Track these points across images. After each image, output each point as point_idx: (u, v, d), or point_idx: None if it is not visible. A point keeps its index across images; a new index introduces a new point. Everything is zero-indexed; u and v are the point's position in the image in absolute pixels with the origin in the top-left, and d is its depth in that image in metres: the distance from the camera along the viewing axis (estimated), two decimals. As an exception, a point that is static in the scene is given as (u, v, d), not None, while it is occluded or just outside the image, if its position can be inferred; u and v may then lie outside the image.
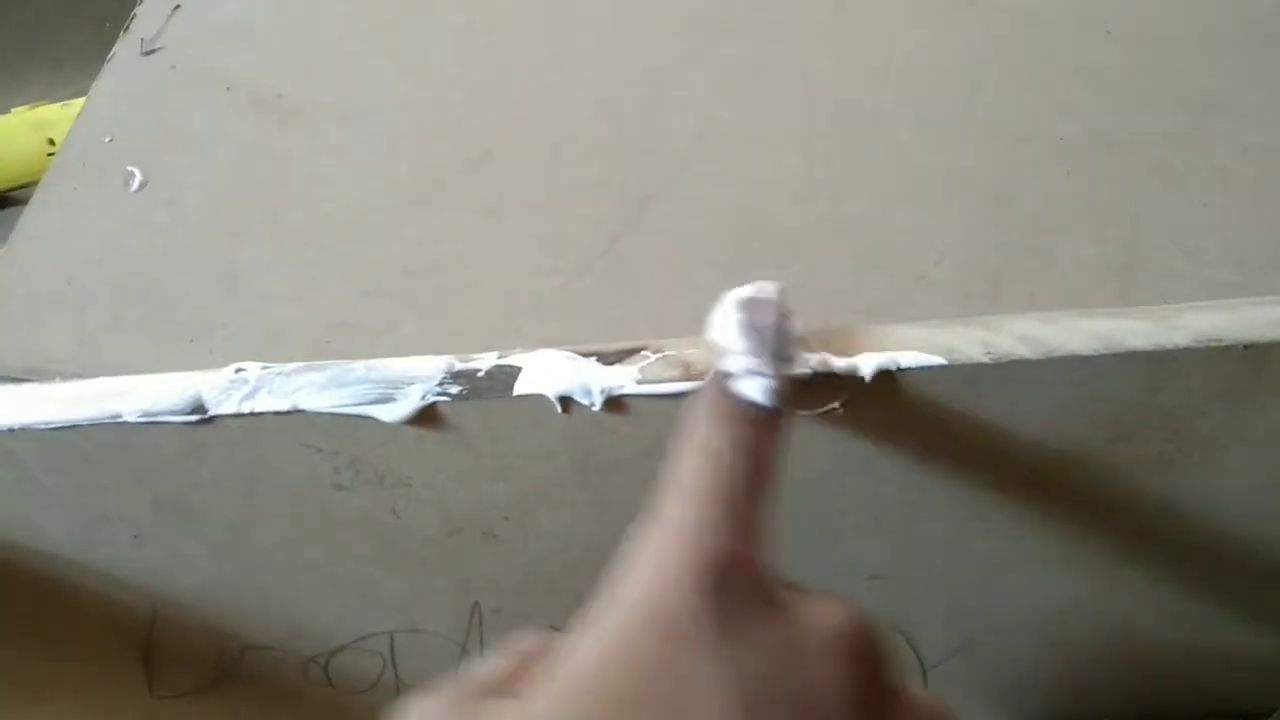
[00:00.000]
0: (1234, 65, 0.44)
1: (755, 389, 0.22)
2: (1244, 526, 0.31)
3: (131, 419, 0.28)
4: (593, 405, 0.27)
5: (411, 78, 0.42)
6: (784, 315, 0.24)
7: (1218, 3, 0.47)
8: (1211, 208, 0.40)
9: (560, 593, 0.32)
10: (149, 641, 0.36)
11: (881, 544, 0.32)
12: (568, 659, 0.19)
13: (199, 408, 0.28)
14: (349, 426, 0.28)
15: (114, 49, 0.43)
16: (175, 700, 0.37)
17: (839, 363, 0.26)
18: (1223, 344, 0.27)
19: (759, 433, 0.22)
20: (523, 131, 0.41)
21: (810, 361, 0.26)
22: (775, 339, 0.23)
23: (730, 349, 0.23)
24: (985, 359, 0.26)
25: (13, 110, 1.13)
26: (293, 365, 0.29)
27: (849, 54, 0.44)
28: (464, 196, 0.39)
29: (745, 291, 0.24)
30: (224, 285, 0.35)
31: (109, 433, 0.29)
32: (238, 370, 0.29)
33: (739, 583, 0.19)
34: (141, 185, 0.38)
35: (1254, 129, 0.42)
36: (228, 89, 0.42)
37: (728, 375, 0.22)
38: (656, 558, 0.19)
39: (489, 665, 0.21)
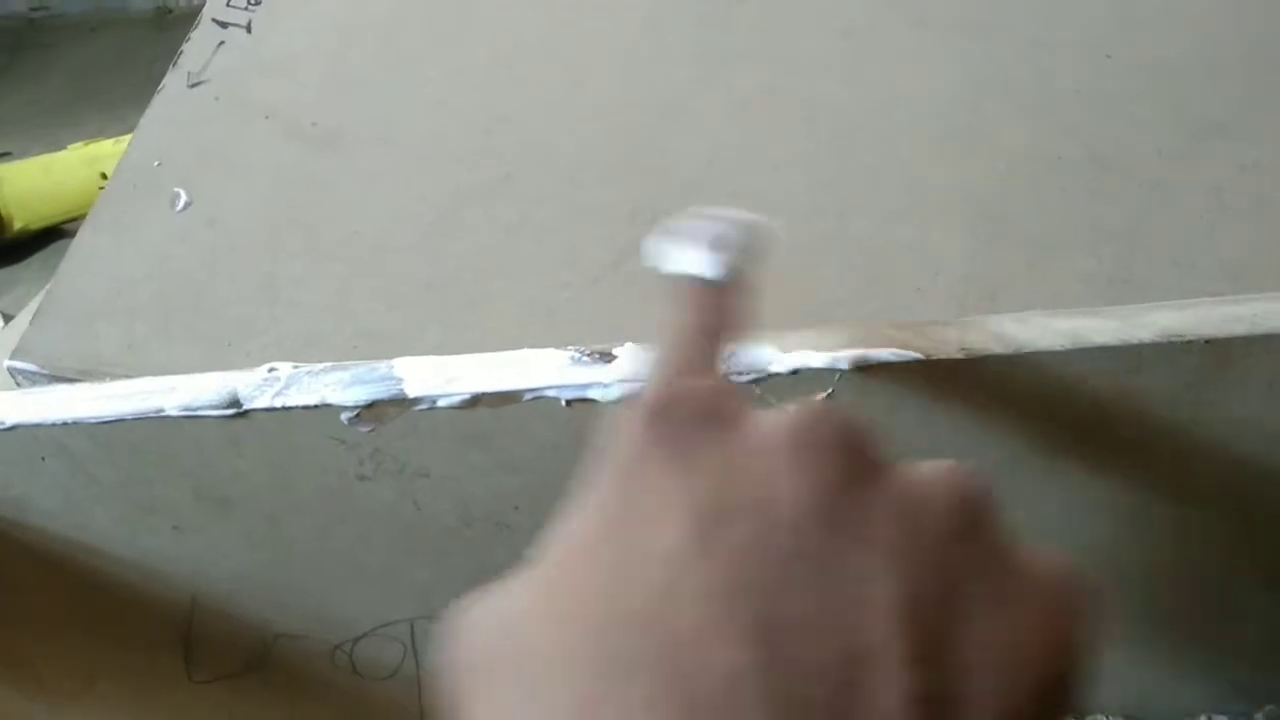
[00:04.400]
0: (1233, 88, 0.46)
1: (695, 266, 0.24)
2: (1207, 518, 0.33)
3: (173, 413, 0.31)
4: (595, 402, 0.29)
5: (437, 107, 0.45)
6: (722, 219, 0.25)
7: (1218, 28, 0.48)
8: (1207, 225, 0.42)
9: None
10: (189, 629, 0.38)
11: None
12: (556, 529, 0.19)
13: (234, 402, 0.31)
14: (371, 419, 0.30)
15: (163, 81, 0.47)
16: (212, 686, 0.39)
17: (817, 359, 0.28)
18: (1184, 339, 0.29)
19: (702, 294, 0.23)
20: (541, 156, 0.43)
21: (790, 360, 0.28)
22: (710, 230, 0.24)
23: (673, 252, 0.24)
24: (959, 355, 0.28)
25: (68, 147, 1.19)
26: (321, 365, 0.31)
27: (854, 81, 0.46)
28: (485, 216, 0.41)
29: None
30: (262, 297, 0.38)
31: (154, 427, 0.31)
32: (271, 370, 0.32)
33: (685, 409, 0.19)
34: (186, 205, 0.41)
35: (1251, 149, 0.43)
36: (267, 118, 0.45)
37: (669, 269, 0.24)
38: (619, 430, 0.20)
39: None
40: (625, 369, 0.30)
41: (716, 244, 0.24)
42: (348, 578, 0.35)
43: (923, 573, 0.17)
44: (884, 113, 0.45)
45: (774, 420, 0.19)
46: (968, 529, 0.18)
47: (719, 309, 0.23)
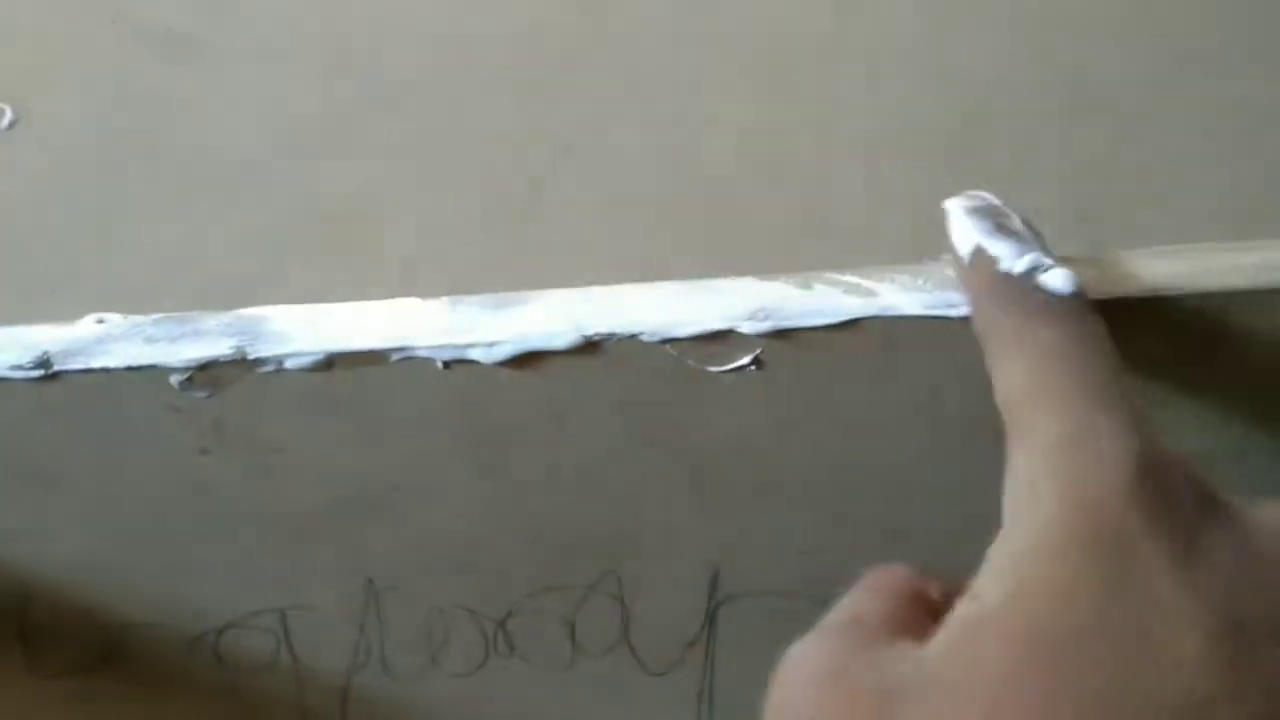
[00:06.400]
0: (1220, 14, 0.42)
1: (1057, 280, 0.20)
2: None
3: (-36, 376, 0.25)
4: (478, 363, 0.24)
5: (315, 13, 0.39)
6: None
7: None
8: (1188, 159, 0.38)
9: (463, 569, 0.30)
10: (23, 620, 0.33)
11: (813, 514, 0.29)
12: (970, 600, 0.16)
13: (44, 362, 0.25)
14: (207, 383, 0.25)
15: (-8, -25, 0.40)
16: (60, 680, 0.34)
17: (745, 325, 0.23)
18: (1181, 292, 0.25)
19: (1082, 320, 0.19)
20: (437, 71, 0.37)
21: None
22: (1029, 232, 0.22)
23: (996, 252, 0.21)
24: (912, 310, 0.24)
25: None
26: (152, 316, 0.26)
27: (801, -5, 0.41)
28: (368, 138, 0.36)
29: (968, 199, 0.24)
30: (97, 233, 0.32)
31: (-57, 391, 0.26)
32: (99, 321, 0.26)
33: (1177, 486, 0.16)
34: (12, 124, 0.35)
35: (1236, 79, 0.39)
36: (114, 21, 0.38)
37: (1014, 274, 0.20)
38: (1059, 479, 0.16)
39: (861, 603, 0.19)
40: (524, 323, 0.25)
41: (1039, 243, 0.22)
42: (199, 562, 0.30)
43: None
44: (831, 31, 0.40)
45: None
46: None
47: (1106, 342, 0.20)
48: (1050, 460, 0.17)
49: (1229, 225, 0.34)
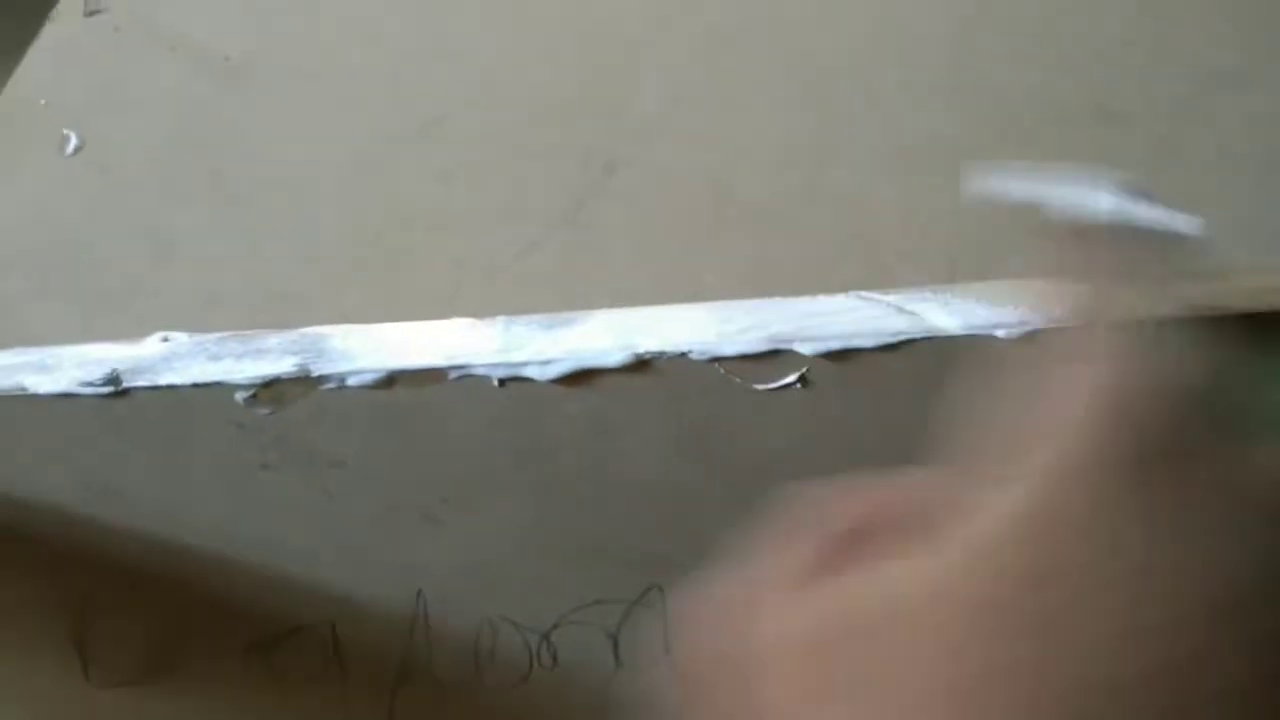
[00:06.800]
0: (1246, 35, 0.42)
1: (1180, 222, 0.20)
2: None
3: (40, 391, 0.26)
4: (532, 380, 0.25)
5: (366, 40, 0.40)
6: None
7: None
8: (1216, 180, 0.38)
9: (509, 580, 0.30)
10: (82, 629, 0.34)
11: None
12: (967, 518, 0.16)
13: (113, 380, 0.26)
14: (270, 400, 0.26)
15: (55, 7, 0.41)
16: (114, 690, 0.35)
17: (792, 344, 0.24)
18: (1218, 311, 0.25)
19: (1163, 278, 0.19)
20: (483, 95, 0.38)
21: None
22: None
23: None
24: (957, 330, 0.24)
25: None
26: (216, 335, 0.27)
27: (834, 18, 0.41)
28: (418, 162, 0.36)
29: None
30: (159, 252, 0.33)
31: (20, 406, 0.27)
32: (164, 339, 0.27)
33: (1177, 422, 0.16)
34: (77, 149, 0.36)
35: (1264, 100, 0.39)
36: (173, 50, 0.39)
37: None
38: (1078, 398, 0.16)
39: (842, 506, 0.19)
40: (577, 341, 0.25)
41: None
42: (257, 574, 0.31)
43: None
44: (867, 54, 0.40)
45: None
46: None
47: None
48: (1067, 377, 0.17)
49: (1255, 247, 0.35)
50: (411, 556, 0.29)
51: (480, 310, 0.34)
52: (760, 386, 0.25)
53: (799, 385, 0.25)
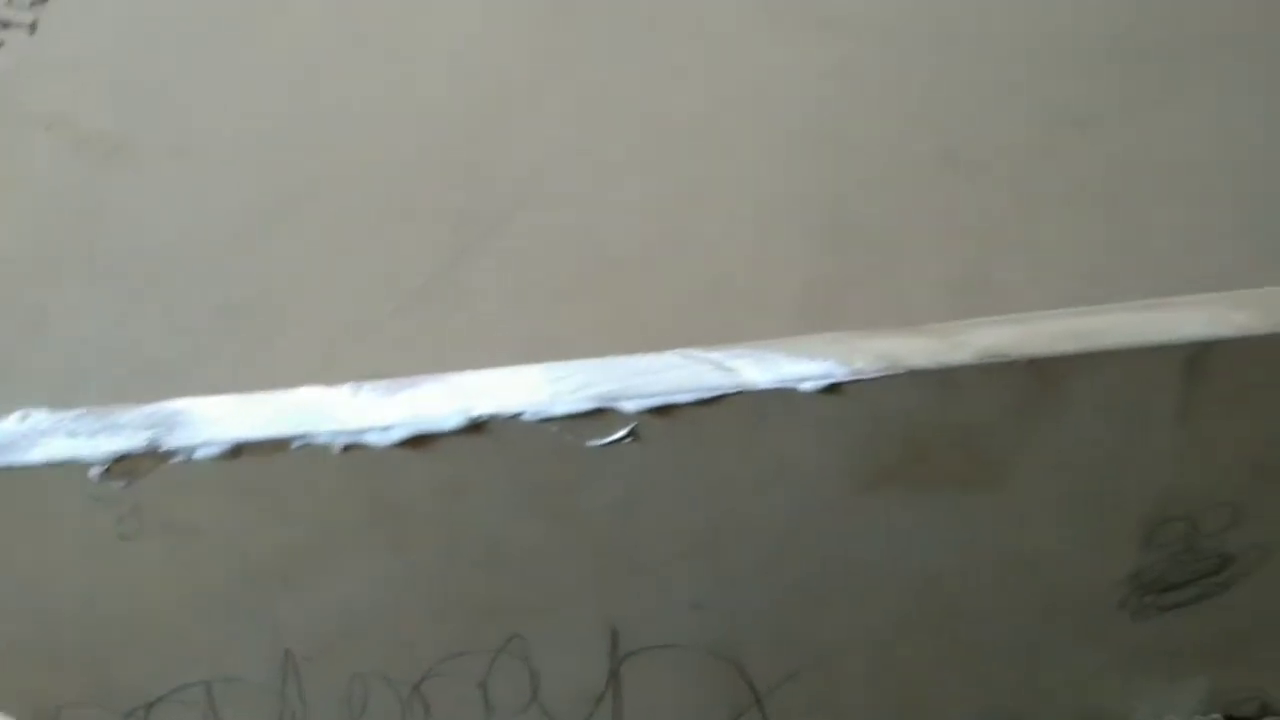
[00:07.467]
0: (1097, 79, 0.44)
1: None
2: (1044, 544, 0.31)
3: (-108, 475, 0.27)
4: (375, 445, 0.26)
5: (241, 112, 0.41)
6: None
7: (1083, 18, 0.47)
8: (1064, 223, 0.40)
9: (373, 637, 0.32)
10: (-42, 704, 0.34)
11: (698, 571, 0.31)
12: None
13: (-35, 461, 0.27)
14: (123, 474, 0.27)
15: (-71, 89, 0.42)
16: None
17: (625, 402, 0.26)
18: (1008, 359, 0.27)
19: None
20: (358, 160, 0.40)
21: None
22: None
23: None
24: (768, 384, 0.26)
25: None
26: (74, 411, 0.28)
27: (699, 80, 0.43)
28: (291, 229, 0.38)
29: None
30: (29, 330, 0.34)
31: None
32: (24, 417, 0.28)
33: None
34: (-53, 230, 0.37)
35: (1113, 141, 0.41)
36: (48, 128, 0.40)
37: None
38: None
39: None
40: (414, 406, 0.27)
41: None
42: (128, 641, 0.32)
43: None
44: (729, 111, 0.42)
45: None
46: None
47: None
48: None
49: (1101, 283, 0.37)
50: (274, 618, 0.30)
51: (354, 375, 0.35)
52: (593, 443, 0.27)
53: (630, 440, 0.27)
